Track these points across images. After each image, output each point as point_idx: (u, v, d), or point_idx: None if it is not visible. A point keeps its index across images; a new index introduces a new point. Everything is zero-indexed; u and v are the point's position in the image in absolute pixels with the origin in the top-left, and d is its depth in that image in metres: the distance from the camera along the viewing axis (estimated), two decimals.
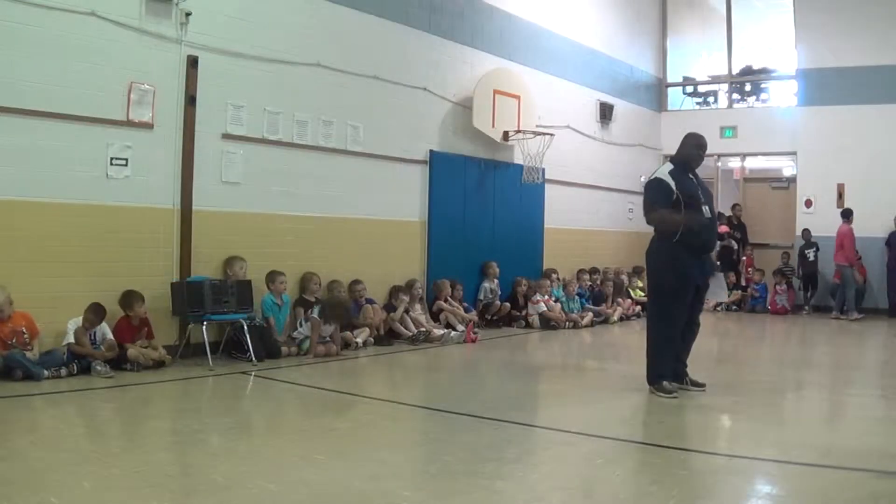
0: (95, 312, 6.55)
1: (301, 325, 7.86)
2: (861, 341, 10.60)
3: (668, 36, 15.48)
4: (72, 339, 6.39)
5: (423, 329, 8.97)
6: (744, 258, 14.03)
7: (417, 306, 9.35)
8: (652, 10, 15.23)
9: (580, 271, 12.23)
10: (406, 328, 8.91)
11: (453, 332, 9.18)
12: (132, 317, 6.82)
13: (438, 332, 9.07)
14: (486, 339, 9.48)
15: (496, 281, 10.67)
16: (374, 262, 9.10)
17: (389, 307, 9.05)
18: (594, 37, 13.22)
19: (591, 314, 11.31)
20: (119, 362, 6.55)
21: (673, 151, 6.49)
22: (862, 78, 13.08)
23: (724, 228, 14.04)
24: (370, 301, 8.80)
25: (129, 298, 6.82)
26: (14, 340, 6.14)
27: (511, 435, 4.86)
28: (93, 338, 6.53)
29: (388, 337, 8.72)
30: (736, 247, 13.92)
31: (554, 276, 11.46)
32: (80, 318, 6.51)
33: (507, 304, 10.64)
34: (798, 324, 12.32)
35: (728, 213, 14.14)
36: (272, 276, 7.85)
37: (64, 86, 6.55)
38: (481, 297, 10.52)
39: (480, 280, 10.65)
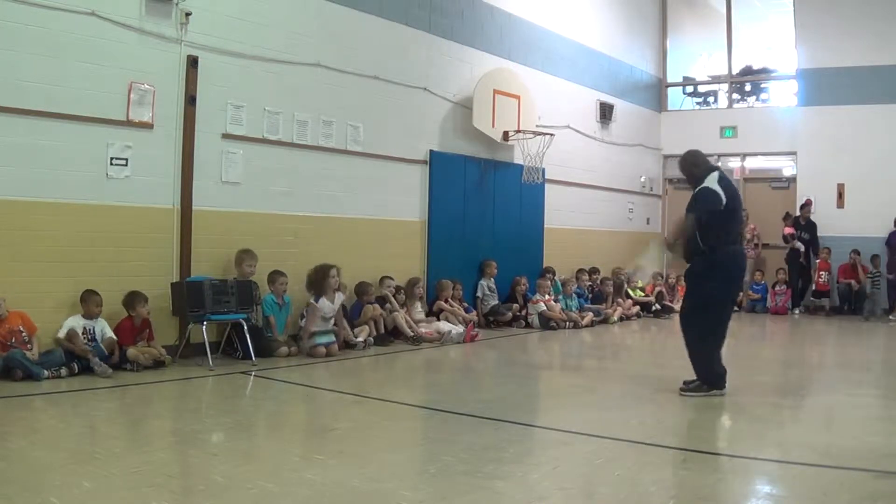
0: (91, 300, 6.54)
1: (301, 319, 7.89)
2: (860, 341, 10.60)
3: (668, 36, 15.48)
4: (62, 335, 6.36)
5: (423, 327, 9.03)
6: (817, 261, 13.10)
7: (417, 304, 9.36)
8: (652, 10, 15.22)
9: (579, 271, 12.22)
10: (408, 328, 8.93)
11: (453, 332, 9.18)
12: (134, 317, 6.82)
13: (445, 326, 9.11)
14: (487, 340, 9.48)
15: (493, 280, 10.68)
16: (374, 262, 9.10)
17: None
18: (594, 37, 13.22)
19: (591, 314, 11.31)
20: (119, 362, 6.55)
21: (673, 151, 6.54)
22: (862, 78, 13.08)
23: (788, 230, 13.21)
24: (372, 302, 8.81)
25: (133, 299, 6.82)
26: (13, 340, 6.14)
27: (511, 435, 4.86)
28: (91, 333, 6.53)
29: (388, 335, 8.72)
30: (803, 249, 13.11)
31: (548, 274, 11.41)
32: (80, 315, 6.52)
33: (516, 306, 10.68)
34: (797, 324, 12.32)
35: (796, 212, 13.40)
36: (273, 277, 7.85)
37: (64, 86, 6.55)
38: (479, 294, 10.52)
39: (479, 279, 10.65)
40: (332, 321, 7.96)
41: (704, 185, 6.09)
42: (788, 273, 13.37)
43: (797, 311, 13.25)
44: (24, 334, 6.22)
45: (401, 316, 8.88)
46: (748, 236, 13.63)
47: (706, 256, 6.05)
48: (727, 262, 6.09)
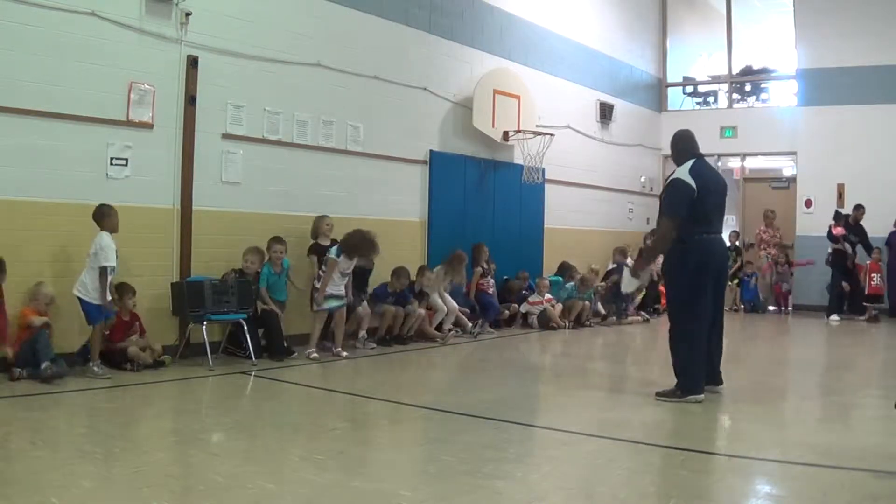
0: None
1: (320, 273, 7.83)
2: (861, 341, 10.60)
3: (668, 36, 15.47)
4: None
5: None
6: (868, 262, 12.36)
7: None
8: (652, 10, 15.22)
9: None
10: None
11: (454, 329, 9.21)
12: (122, 311, 6.78)
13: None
14: (486, 340, 9.49)
15: (489, 279, 10.68)
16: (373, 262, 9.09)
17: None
18: (594, 37, 13.22)
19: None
20: (118, 362, 6.55)
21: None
22: (862, 78, 13.07)
23: (839, 230, 12.58)
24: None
25: (120, 290, 6.77)
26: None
27: (511, 435, 4.87)
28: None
29: (400, 337, 8.74)
30: (850, 251, 12.46)
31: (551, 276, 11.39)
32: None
33: (515, 305, 10.68)
34: (793, 323, 12.31)
35: (847, 212, 12.69)
36: (268, 244, 7.76)
37: (64, 86, 6.55)
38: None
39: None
40: (346, 281, 7.89)
41: (675, 176, 5.98)
42: (832, 277, 12.63)
43: (837, 318, 12.30)
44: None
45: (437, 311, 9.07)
46: (777, 237, 13.56)
47: (677, 247, 5.87)
48: (700, 251, 5.83)
